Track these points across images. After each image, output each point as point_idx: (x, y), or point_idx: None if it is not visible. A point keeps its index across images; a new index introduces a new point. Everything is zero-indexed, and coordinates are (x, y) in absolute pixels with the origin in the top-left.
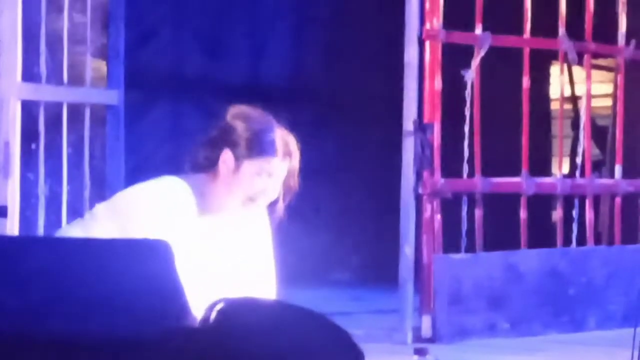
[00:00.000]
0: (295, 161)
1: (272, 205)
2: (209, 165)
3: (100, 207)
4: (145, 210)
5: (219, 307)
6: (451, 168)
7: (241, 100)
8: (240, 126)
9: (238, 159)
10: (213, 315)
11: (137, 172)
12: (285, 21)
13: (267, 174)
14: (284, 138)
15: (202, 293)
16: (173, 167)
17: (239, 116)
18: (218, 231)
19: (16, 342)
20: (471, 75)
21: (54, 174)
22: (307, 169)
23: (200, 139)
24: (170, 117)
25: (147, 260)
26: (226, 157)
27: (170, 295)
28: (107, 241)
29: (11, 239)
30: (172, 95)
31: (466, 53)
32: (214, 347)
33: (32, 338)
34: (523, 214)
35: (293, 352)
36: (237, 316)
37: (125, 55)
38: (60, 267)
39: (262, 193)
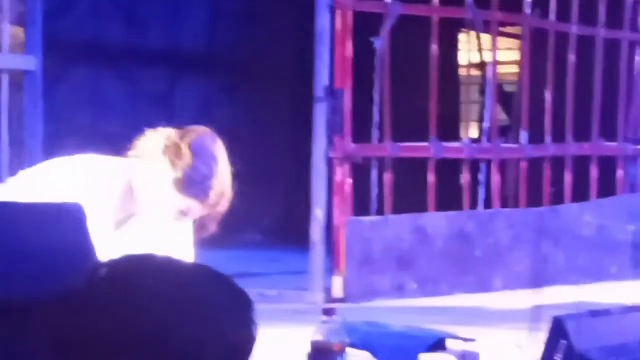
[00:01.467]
0: (222, 210)
1: None
2: (145, 156)
3: (23, 175)
4: (70, 184)
5: (102, 269)
6: (362, 133)
7: (158, 66)
8: (186, 157)
9: (170, 183)
10: (102, 271)
11: (55, 137)
12: None
13: (186, 212)
14: (220, 188)
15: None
16: (91, 132)
17: (191, 146)
18: (138, 218)
19: None
20: (381, 42)
21: None
22: (222, 134)
23: (154, 127)
24: (89, 83)
25: (59, 223)
26: (164, 168)
27: (81, 256)
28: (20, 204)
29: None
30: (91, 61)
31: (377, 21)
32: (100, 301)
33: None
34: (431, 177)
35: (180, 301)
36: (118, 273)
37: (44, 22)
38: None
39: (176, 221)
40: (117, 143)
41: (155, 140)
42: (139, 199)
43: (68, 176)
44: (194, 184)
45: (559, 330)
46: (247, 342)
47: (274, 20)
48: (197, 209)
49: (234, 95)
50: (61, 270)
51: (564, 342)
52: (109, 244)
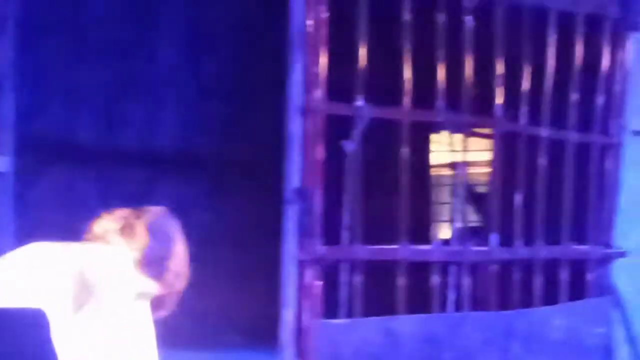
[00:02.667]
0: (179, 289)
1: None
2: (101, 238)
3: None
4: (20, 279)
5: None
6: (332, 235)
7: (133, 167)
8: (142, 237)
9: (127, 263)
10: None
11: (27, 239)
12: (176, 92)
13: (144, 293)
14: (177, 268)
15: None
16: (65, 234)
17: (147, 226)
18: (95, 310)
19: None
20: (351, 145)
21: None
22: (198, 233)
23: (102, 210)
24: (62, 184)
25: (22, 329)
26: (120, 249)
27: None
28: None
29: None
30: (65, 162)
31: (348, 123)
32: None
33: None
34: (401, 280)
35: None
36: None
37: (17, 122)
38: None
39: (133, 301)
40: None
41: (110, 222)
42: (95, 282)
43: (17, 271)
44: (151, 264)
45: None
46: None
47: (247, 123)
48: (154, 288)
49: (209, 197)
50: None
51: None
52: (66, 332)
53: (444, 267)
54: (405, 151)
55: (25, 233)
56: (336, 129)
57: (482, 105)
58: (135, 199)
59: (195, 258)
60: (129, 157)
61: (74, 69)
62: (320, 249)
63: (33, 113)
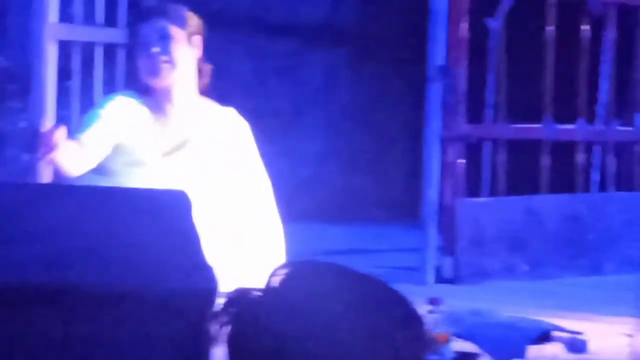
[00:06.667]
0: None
1: None
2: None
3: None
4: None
5: (283, 271)
6: (476, 114)
7: (280, 38)
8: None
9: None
10: (278, 278)
11: None
12: None
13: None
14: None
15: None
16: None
17: None
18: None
19: (35, 292)
20: (496, 23)
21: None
22: (342, 109)
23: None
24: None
25: (165, 211)
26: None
27: (187, 246)
28: (127, 190)
29: (33, 187)
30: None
31: (492, 1)
32: (278, 308)
33: (51, 288)
34: (544, 159)
35: (349, 314)
36: (300, 279)
37: None
38: (81, 216)
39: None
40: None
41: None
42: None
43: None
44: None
45: None
46: None
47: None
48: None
49: (355, 71)
50: (168, 258)
51: None
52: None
53: (588, 147)
54: (550, 30)
55: None
56: (480, 6)
57: None
58: (286, 71)
59: (339, 132)
60: (275, 28)
61: None
62: (463, 127)
63: None
